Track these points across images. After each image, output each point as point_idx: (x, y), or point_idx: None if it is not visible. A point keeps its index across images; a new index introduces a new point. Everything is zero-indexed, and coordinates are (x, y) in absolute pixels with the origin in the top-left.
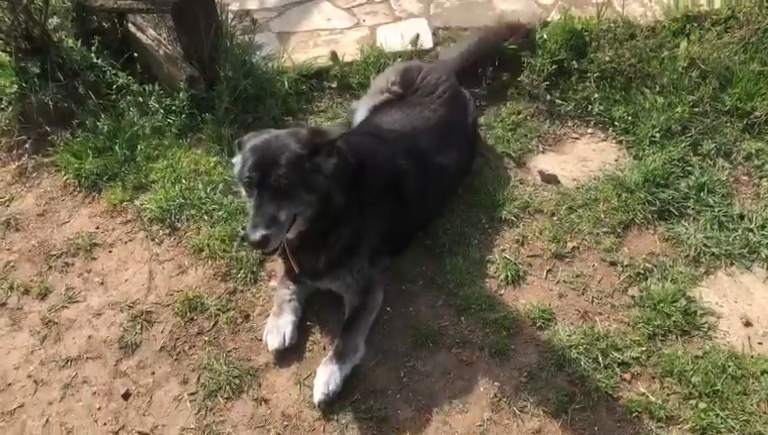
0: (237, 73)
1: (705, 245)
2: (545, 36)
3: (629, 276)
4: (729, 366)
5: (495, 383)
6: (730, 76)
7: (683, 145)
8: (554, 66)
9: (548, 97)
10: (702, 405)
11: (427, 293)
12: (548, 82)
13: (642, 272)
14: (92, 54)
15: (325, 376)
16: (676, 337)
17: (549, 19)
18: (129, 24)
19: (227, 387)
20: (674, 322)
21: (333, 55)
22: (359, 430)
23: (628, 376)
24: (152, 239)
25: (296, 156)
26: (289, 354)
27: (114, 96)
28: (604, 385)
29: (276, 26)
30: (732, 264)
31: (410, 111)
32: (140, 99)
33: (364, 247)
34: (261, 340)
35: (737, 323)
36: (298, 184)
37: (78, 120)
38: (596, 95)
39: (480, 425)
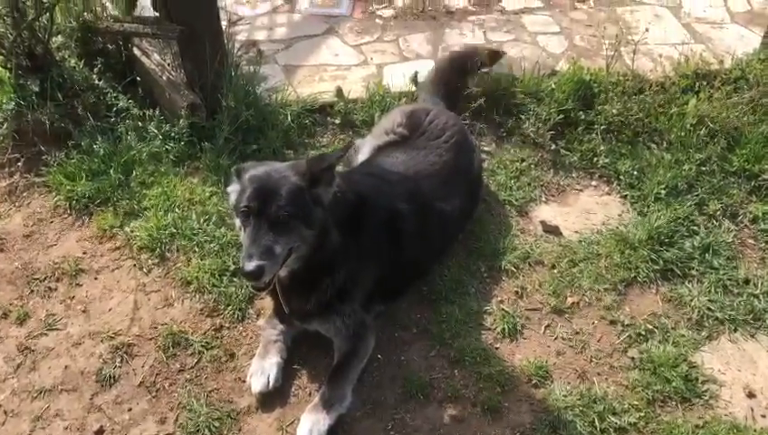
0: (240, 104)
1: (708, 308)
2: (553, 85)
3: (630, 337)
4: None
5: None
6: (738, 137)
7: (689, 204)
8: (561, 116)
9: (553, 146)
10: None
11: (420, 341)
12: (553, 132)
13: (643, 333)
14: (94, 76)
15: (309, 424)
16: (677, 404)
17: (557, 68)
18: (134, 48)
19: (206, 430)
20: (674, 387)
21: (339, 91)
22: None
23: None
24: (140, 268)
25: (297, 188)
26: (273, 398)
27: (113, 119)
28: None
29: (283, 59)
30: (735, 330)
31: (415, 154)
32: (139, 123)
33: (357, 292)
34: (244, 381)
35: (740, 393)
36: (297, 217)
37: (74, 141)
38: (602, 147)
39: None
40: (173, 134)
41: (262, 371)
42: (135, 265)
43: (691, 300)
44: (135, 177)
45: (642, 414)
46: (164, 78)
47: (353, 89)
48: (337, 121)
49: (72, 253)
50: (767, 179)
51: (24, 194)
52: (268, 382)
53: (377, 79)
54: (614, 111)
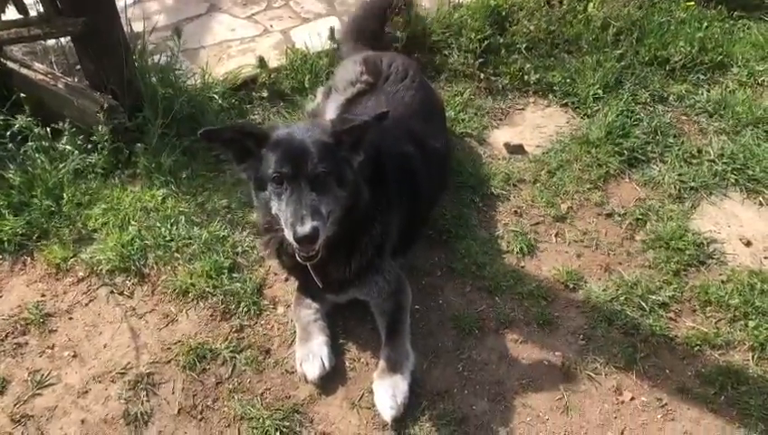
0: (175, 93)
1: (680, 181)
2: (464, 16)
3: (630, 224)
4: (755, 283)
5: (557, 353)
6: (642, 30)
7: (624, 97)
8: (483, 43)
9: (482, 75)
10: (751, 324)
11: (450, 282)
12: (481, 59)
13: (640, 217)
14: None
15: (389, 389)
16: (697, 269)
17: (459, 1)
18: (7, 62)
19: (277, 432)
20: (689, 255)
21: (261, 61)
22: None
23: (672, 315)
24: (120, 293)
25: (327, 145)
26: (331, 379)
27: (9, 144)
28: (657, 328)
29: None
30: (710, 194)
31: (390, 98)
32: (44, 142)
33: (389, 245)
34: (293, 372)
35: (739, 244)
36: (331, 175)
37: None
38: (528, 65)
39: (560, 398)
40: (91, 145)
41: (312, 355)
42: (112, 291)
43: (663, 178)
44: (67, 200)
45: (675, 286)
46: (60, 86)
47: (268, 58)
48: (264, 94)
49: (27, 299)
50: (678, 61)
51: None
52: (323, 365)
53: (286, 45)
54: (531, 28)
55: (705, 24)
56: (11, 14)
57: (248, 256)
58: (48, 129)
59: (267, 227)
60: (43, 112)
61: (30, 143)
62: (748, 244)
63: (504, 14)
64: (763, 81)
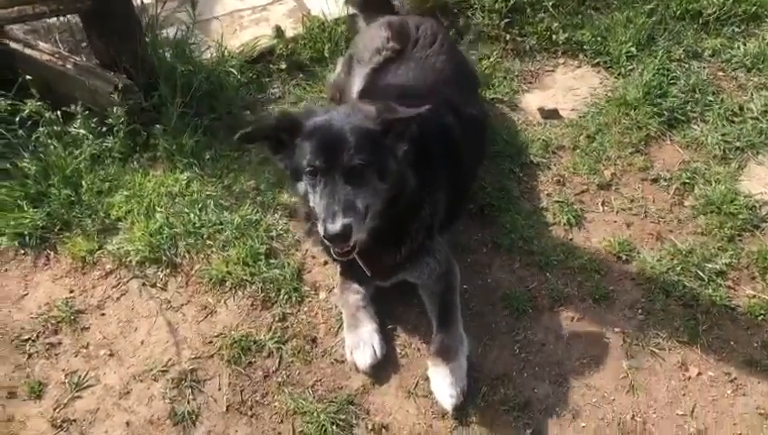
0: (191, 69)
1: (725, 141)
2: None
3: (677, 188)
4: None
5: (616, 330)
6: None
7: (659, 54)
8: (509, 2)
9: (508, 36)
10: None
11: (497, 258)
12: (507, 20)
13: (687, 181)
14: None
15: (447, 377)
16: (751, 233)
17: None
18: (10, 42)
19: (333, 426)
20: (743, 220)
21: (278, 31)
22: (506, 424)
23: (730, 283)
24: (152, 285)
25: (368, 132)
26: (383, 367)
27: (19, 131)
28: (718, 299)
29: (187, 15)
30: (757, 153)
31: (419, 64)
32: (57, 127)
33: (436, 224)
34: (343, 361)
35: None
36: (371, 167)
37: None
38: (555, 24)
39: (624, 376)
40: (106, 128)
41: (363, 342)
42: (144, 283)
43: (706, 139)
44: (86, 188)
45: (731, 253)
46: (69, 66)
47: (284, 28)
48: (283, 66)
49: (55, 296)
50: (711, 14)
51: None
52: (375, 353)
53: (302, 12)
54: None
55: None
56: None
57: (283, 239)
58: (59, 112)
59: (308, 214)
60: (51, 95)
61: (41, 129)
62: None
63: None
64: None
